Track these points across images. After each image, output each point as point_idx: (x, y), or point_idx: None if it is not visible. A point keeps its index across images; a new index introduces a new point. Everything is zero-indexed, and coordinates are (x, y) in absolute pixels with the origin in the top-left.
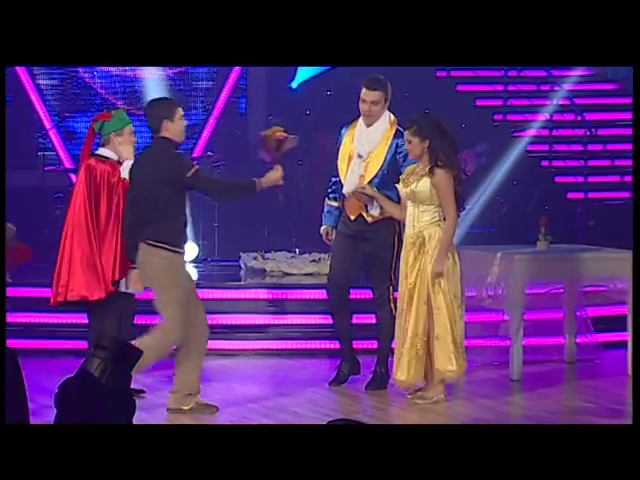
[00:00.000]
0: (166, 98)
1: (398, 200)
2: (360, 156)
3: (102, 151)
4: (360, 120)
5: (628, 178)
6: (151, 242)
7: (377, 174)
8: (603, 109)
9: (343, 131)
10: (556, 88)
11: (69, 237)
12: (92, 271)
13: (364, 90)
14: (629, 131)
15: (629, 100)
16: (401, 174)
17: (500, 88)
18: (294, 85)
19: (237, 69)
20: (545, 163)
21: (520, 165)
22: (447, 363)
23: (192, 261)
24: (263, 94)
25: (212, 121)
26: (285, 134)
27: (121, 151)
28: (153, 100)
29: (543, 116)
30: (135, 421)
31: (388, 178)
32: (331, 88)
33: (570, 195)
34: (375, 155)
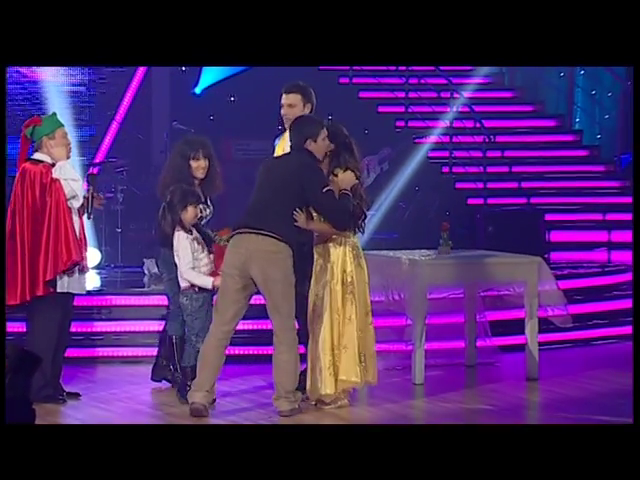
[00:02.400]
0: (314, 119)
1: None
2: None
3: (36, 155)
4: (287, 127)
5: (525, 184)
6: (283, 238)
7: None
8: (501, 116)
9: (276, 142)
10: (456, 95)
11: (9, 239)
12: (28, 272)
13: (283, 95)
14: (526, 138)
15: (526, 108)
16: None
17: (402, 95)
18: (197, 91)
19: (140, 74)
20: (446, 169)
21: (422, 171)
22: (352, 374)
23: (95, 267)
24: (166, 99)
25: (115, 126)
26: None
27: (54, 153)
28: (303, 118)
29: (443, 123)
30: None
31: None
32: (234, 94)
33: (470, 201)
34: None
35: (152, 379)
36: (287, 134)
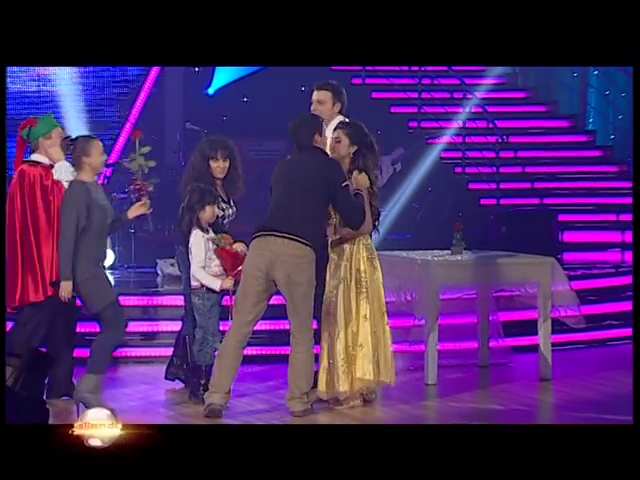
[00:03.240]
0: (313, 115)
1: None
2: None
3: (33, 156)
4: None
5: (538, 184)
6: (308, 242)
7: None
8: (514, 117)
9: None
10: (469, 96)
11: (9, 242)
12: (30, 274)
13: (314, 91)
14: (539, 139)
15: (539, 108)
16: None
17: (414, 96)
18: (210, 91)
19: (153, 75)
20: (459, 170)
21: (435, 172)
22: (366, 372)
23: (108, 267)
24: (179, 100)
25: (128, 127)
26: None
27: (51, 154)
28: (303, 116)
29: (456, 123)
30: None
31: None
32: (247, 95)
33: (483, 201)
34: None
35: (166, 378)
36: None
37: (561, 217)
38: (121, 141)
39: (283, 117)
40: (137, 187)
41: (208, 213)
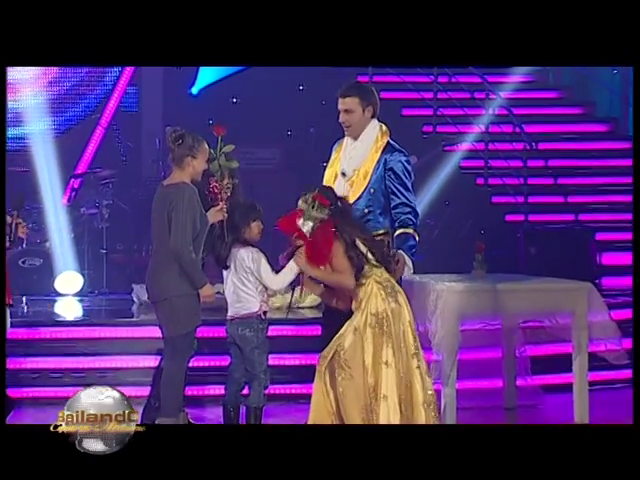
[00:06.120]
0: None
1: (391, 225)
2: (343, 174)
3: None
4: (346, 134)
5: (572, 199)
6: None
7: (362, 194)
8: (545, 120)
9: (334, 147)
10: (492, 96)
11: None
12: None
13: (339, 99)
14: (573, 145)
15: (573, 110)
16: (393, 194)
17: (429, 96)
18: (194, 91)
19: (128, 71)
20: (481, 181)
21: (453, 183)
22: None
23: (76, 294)
24: (158, 100)
25: (99, 131)
26: None
27: None
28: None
29: (478, 128)
30: None
31: (375, 199)
32: (237, 95)
33: (509, 217)
34: (361, 172)
35: (141, 424)
36: (346, 140)
37: (599, 236)
38: (91, 148)
39: (278, 120)
40: (214, 190)
41: (254, 230)
